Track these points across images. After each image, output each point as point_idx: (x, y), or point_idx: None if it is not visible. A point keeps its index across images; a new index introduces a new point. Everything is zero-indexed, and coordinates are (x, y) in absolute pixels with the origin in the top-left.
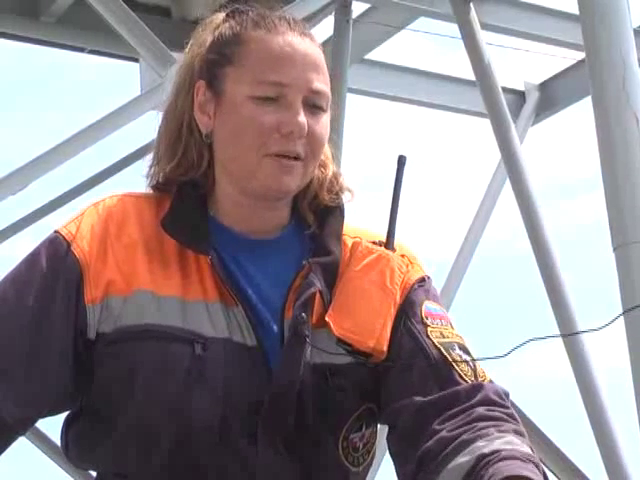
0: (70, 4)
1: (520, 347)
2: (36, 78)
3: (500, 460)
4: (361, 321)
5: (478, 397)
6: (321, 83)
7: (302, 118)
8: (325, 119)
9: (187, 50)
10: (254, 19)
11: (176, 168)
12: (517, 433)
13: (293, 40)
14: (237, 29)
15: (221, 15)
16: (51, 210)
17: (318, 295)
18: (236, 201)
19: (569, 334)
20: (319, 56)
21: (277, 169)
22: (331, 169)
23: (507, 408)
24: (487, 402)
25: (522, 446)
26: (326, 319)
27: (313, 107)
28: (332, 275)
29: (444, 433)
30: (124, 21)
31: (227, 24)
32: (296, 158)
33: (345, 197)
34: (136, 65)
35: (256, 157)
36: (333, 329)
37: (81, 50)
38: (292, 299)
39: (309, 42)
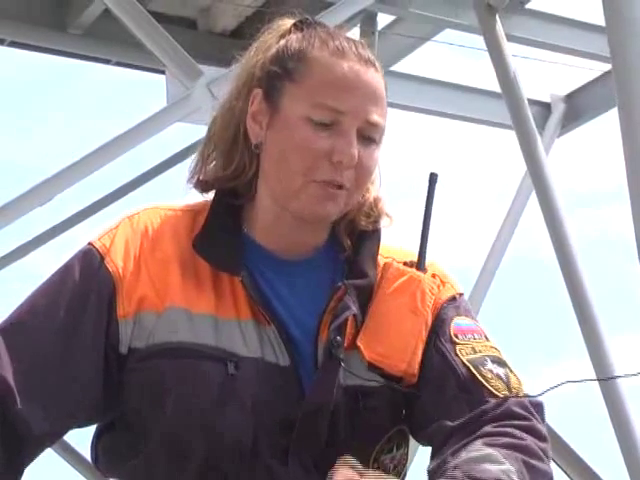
0: (97, 16)
1: (555, 388)
2: (64, 86)
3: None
4: (392, 345)
5: (494, 413)
6: (379, 116)
7: (354, 149)
8: (377, 152)
9: (251, 53)
10: (322, 38)
11: (229, 173)
12: (508, 448)
13: (358, 68)
14: (303, 45)
15: (289, 22)
16: (77, 222)
17: (351, 318)
18: (275, 216)
19: (605, 378)
20: (381, 87)
21: (321, 195)
22: (372, 193)
23: (528, 420)
24: (504, 417)
25: (483, 465)
26: (357, 344)
27: (367, 139)
28: (366, 298)
29: (447, 455)
30: (150, 33)
31: (294, 36)
32: (340, 187)
33: (383, 222)
34: (162, 77)
35: (302, 180)
36: (364, 354)
37: (107, 62)
38: (327, 321)
39: (373, 72)
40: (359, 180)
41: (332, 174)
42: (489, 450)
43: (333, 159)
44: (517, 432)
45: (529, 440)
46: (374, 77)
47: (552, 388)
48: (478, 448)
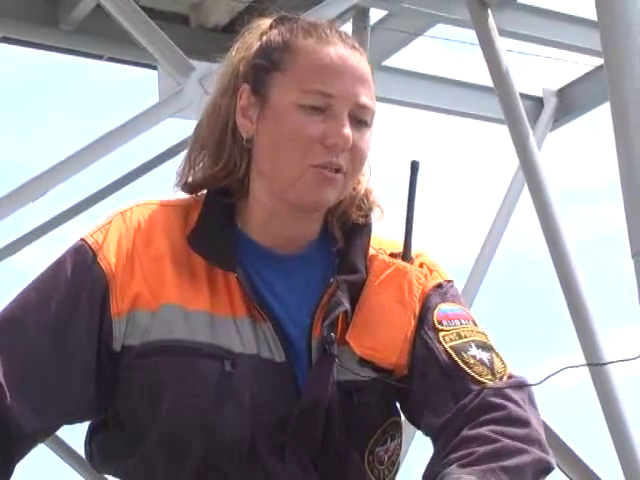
0: (89, 12)
1: (554, 375)
2: (57, 83)
3: None
4: (382, 338)
5: (471, 407)
6: (368, 98)
7: (347, 131)
8: (369, 135)
9: (232, 53)
10: (305, 27)
11: (219, 172)
12: (484, 460)
13: (343, 52)
14: (287, 36)
15: (268, 21)
16: (68, 219)
17: (342, 313)
18: (271, 211)
19: (601, 363)
20: (367, 71)
21: (319, 180)
22: (364, 185)
23: (504, 409)
24: (481, 411)
25: None
26: (346, 339)
27: (358, 121)
28: (356, 293)
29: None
30: (143, 29)
31: (276, 30)
32: (337, 170)
33: (375, 215)
34: (154, 72)
35: (298, 167)
36: (354, 349)
37: (99, 57)
38: (320, 317)
39: (359, 56)
40: (354, 163)
41: (328, 156)
42: (464, 477)
43: (327, 142)
44: (492, 433)
45: (505, 438)
46: (360, 61)
47: (551, 376)
48: (454, 478)
